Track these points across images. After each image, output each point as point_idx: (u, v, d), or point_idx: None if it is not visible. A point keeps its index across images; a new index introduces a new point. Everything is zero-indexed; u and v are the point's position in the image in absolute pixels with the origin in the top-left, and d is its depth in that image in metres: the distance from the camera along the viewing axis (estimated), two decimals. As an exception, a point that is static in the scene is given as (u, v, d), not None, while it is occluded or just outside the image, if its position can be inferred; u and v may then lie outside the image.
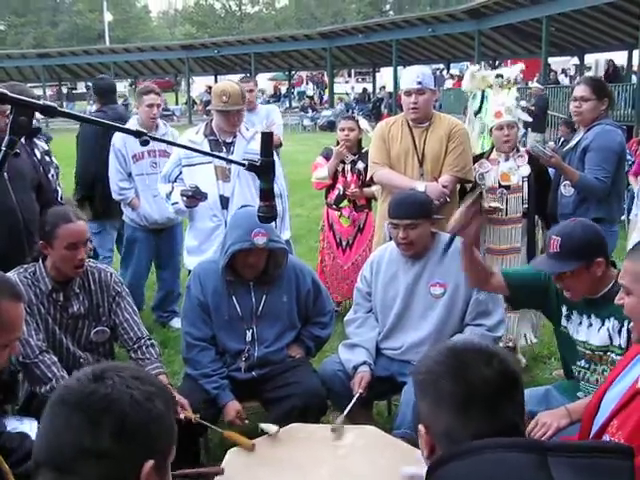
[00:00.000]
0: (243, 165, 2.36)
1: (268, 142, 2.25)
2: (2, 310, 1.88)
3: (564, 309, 3.20)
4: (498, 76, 6.54)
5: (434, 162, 4.56)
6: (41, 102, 1.66)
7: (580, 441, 2.16)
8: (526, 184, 4.73)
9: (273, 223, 4.20)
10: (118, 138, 5.52)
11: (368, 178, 5.06)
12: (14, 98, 1.58)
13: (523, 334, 4.89)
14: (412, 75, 4.55)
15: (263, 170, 2.19)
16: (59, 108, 1.68)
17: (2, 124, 4.00)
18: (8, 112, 1.61)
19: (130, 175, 5.62)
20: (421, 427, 1.59)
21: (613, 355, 3.02)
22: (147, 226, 5.73)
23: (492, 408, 1.51)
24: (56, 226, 3.26)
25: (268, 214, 2.31)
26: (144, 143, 1.83)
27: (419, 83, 4.49)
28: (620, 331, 2.97)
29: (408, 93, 4.57)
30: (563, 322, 3.22)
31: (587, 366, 3.14)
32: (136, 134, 1.82)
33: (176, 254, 5.85)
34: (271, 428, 3.04)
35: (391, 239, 4.51)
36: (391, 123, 4.75)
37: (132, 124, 5.53)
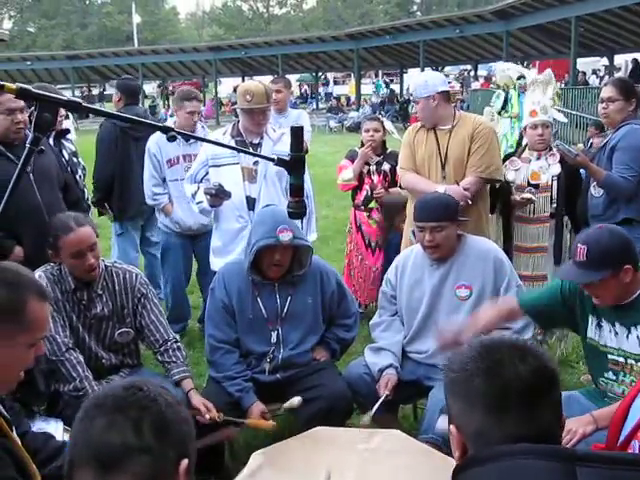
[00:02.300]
0: (273, 160, 2.35)
1: (299, 137, 2.22)
2: (29, 309, 1.87)
3: (591, 319, 3.13)
4: (520, 77, 6.51)
5: (456, 164, 4.52)
6: (65, 98, 1.64)
7: (616, 452, 2.08)
8: (555, 183, 4.69)
9: (299, 224, 4.23)
10: (153, 143, 5.42)
11: (399, 185, 5.05)
12: (37, 94, 1.57)
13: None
14: (419, 82, 4.62)
15: (293, 165, 2.18)
16: (84, 104, 1.66)
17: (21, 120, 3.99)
18: (27, 109, 1.63)
19: (164, 180, 5.50)
20: (452, 427, 1.53)
21: (634, 364, 2.96)
22: (181, 232, 5.60)
23: (528, 408, 1.44)
24: (57, 238, 3.30)
25: (298, 209, 2.30)
26: (171, 139, 1.81)
27: (410, 95, 4.64)
28: None
29: (416, 101, 4.67)
30: (590, 333, 3.14)
31: (614, 378, 3.07)
32: (163, 129, 1.81)
33: None
34: (294, 401, 3.02)
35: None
36: (417, 128, 4.75)
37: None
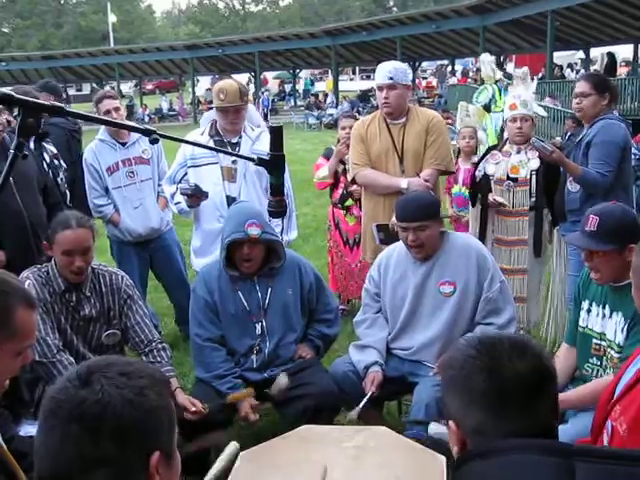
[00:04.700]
0: (253, 160, 2.35)
1: (278, 136, 2.23)
2: (17, 318, 1.86)
3: (585, 303, 3.20)
4: (507, 76, 6.59)
5: (414, 158, 4.56)
6: (48, 103, 1.64)
7: (615, 448, 2.09)
8: (534, 177, 4.72)
9: (280, 222, 4.24)
10: (89, 152, 5.21)
11: (350, 180, 5.04)
12: (21, 99, 1.56)
13: (528, 322, 4.89)
14: (384, 70, 4.54)
15: (273, 164, 2.18)
16: (67, 108, 1.66)
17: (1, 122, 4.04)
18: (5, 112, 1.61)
19: (107, 190, 5.24)
20: (451, 423, 1.54)
21: (612, 352, 3.01)
22: (132, 240, 5.36)
23: (526, 404, 1.45)
24: (55, 231, 3.33)
25: (278, 208, 2.31)
26: (154, 141, 1.81)
27: (390, 78, 4.48)
28: (622, 330, 2.96)
29: (380, 88, 4.58)
30: (581, 320, 3.21)
31: (599, 363, 3.12)
32: (145, 132, 1.80)
33: (175, 263, 5.54)
34: (280, 382, 3.02)
35: (381, 241, 4.54)
36: (368, 122, 4.73)
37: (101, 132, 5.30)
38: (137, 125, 1.90)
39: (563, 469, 1.33)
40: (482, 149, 7.18)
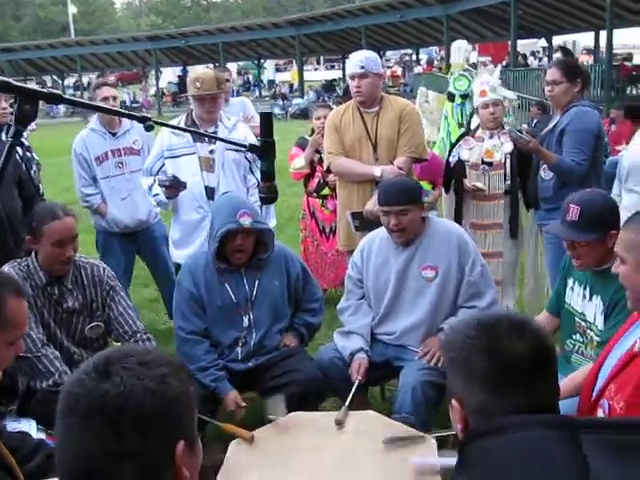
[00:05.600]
0: (244, 147, 2.37)
1: (268, 122, 2.24)
2: (8, 307, 1.85)
3: (570, 281, 3.25)
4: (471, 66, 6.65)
5: (388, 146, 4.58)
6: (45, 90, 1.63)
7: (620, 417, 2.13)
8: (509, 161, 4.76)
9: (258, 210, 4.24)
10: (78, 142, 5.18)
11: (325, 169, 5.06)
12: (18, 87, 1.54)
13: (506, 306, 4.94)
14: (355, 60, 4.56)
15: (264, 151, 2.19)
16: (64, 96, 1.65)
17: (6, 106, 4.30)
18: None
19: (95, 180, 5.22)
20: (454, 401, 1.56)
21: (592, 334, 3.06)
22: (118, 232, 5.32)
23: (527, 383, 1.48)
24: (43, 223, 3.26)
25: (269, 194, 2.32)
26: (148, 128, 1.81)
27: (362, 67, 4.50)
28: (602, 313, 3.00)
29: (352, 77, 4.60)
30: (566, 297, 3.26)
31: (581, 340, 3.17)
32: (140, 119, 1.80)
33: (161, 255, 5.44)
34: (278, 407, 3.02)
35: (356, 228, 4.57)
36: (342, 112, 4.75)
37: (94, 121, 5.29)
38: (133, 113, 1.89)
39: (570, 442, 1.34)
40: (443, 135, 7.27)
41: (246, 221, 3.50)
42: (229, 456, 2.79)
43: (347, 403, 3.23)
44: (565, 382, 2.81)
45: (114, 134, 5.17)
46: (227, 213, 3.54)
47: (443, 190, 5.16)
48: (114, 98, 5.14)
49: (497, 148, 4.78)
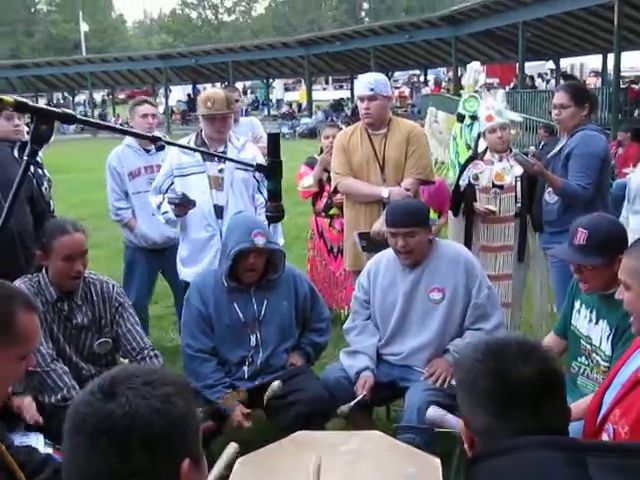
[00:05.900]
0: (252, 166, 2.40)
1: (275, 143, 2.27)
2: (20, 321, 1.86)
3: (577, 303, 3.25)
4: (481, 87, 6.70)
5: (395, 168, 4.61)
6: (59, 110, 1.66)
7: (626, 442, 2.13)
8: (519, 184, 4.79)
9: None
10: (113, 156, 5.30)
11: (332, 189, 5.09)
12: (35, 107, 1.58)
13: (514, 327, 4.95)
14: (365, 82, 4.60)
15: (272, 170, 2.22)
16: (78, 116, 1.68)
17: (11, 129, 4.31)
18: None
19: (127, 194, 5.33)
20: (462, 422, 1.58)
21: (599, 358, 3.05)
22: (146, 247, 5.40)
23: (533, 407, 1.48)
24: (53, 238, 3.29)
25: (276, 213, 2.35)
26: (160, 148, 1.84)
27: (371, 90, 4.54)
28: (608, 338, 2.99)
29: (361, 99, 4.64)
30: (573, 318, 3.26)
31: (587, 362, 3.16)
32: (152, 139, 1.83)
33: None
34: (273, 387, 3.02)
35: (363, 248, 4.59)
36: (350, 133, 4.79)
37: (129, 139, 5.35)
38: (145, 133, 1.92)
39: (576, 464, 1.35)
40: (452, 156, 7.29)
41: (260, 241, 3.53)
42: (235, 472, 2.79)
43: (351, 404, 3.24)
44: (572, 407, 2.81)
45: (148, 151, 5.23)
46: (241, 232, 3.57)
47: (451, 214, 5.18)
48: (153, 116, 5.24)
49: (507, 171, 4.81)
